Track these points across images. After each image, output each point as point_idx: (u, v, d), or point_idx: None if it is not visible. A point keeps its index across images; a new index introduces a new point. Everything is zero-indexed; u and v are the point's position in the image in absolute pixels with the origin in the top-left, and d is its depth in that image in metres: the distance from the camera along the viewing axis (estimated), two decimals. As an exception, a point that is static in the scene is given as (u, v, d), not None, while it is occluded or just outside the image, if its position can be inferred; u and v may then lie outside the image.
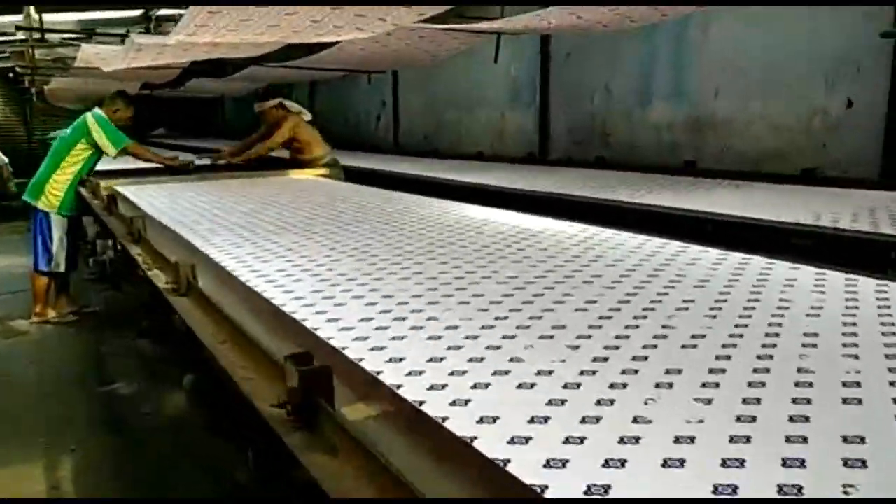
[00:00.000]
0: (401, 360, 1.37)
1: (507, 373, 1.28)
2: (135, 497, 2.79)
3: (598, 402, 1.14)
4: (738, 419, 1.06)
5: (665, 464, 0.93)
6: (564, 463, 0.94)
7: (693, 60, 5.55)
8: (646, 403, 1.13)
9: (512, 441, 1.01)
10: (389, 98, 9.49)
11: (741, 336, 1.44)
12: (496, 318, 1.61)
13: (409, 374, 1.29)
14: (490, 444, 0.99)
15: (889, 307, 1.63)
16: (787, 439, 0.99)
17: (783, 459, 0.93)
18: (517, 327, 1.55)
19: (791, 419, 1.05)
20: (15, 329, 4.88)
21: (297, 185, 4.62)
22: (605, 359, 1.34)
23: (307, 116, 5.65)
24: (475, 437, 1.02)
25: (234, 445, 2.83)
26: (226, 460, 2.83)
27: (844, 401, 1.12)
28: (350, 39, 4.93)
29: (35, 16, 6.27)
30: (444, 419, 1.08)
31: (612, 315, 1.62)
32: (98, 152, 4.91)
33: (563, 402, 1.14)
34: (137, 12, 8.66)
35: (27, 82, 10.81)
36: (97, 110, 4.96)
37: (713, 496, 0.85)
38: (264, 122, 5.66)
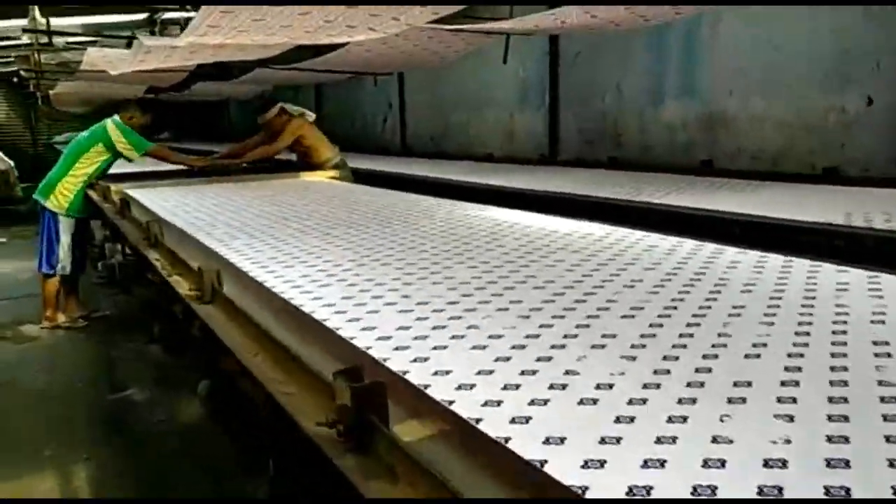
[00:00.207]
0: (448, 372, 1.29)
1: (564, 387, 1.20)
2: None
3: (670, 420, 1.06)
4: (830, 440, 0.98)
5: (761, 492, 0.85)
6: (648, 490, 0.86)
7: (706, 59, 5.47)
8: (721, 420, 1.05)
9: (586, 465, 0.93)
10: (396, 100, 9.41)
11: (806, 345, 1.36)
12: (541, 326, 1.54)
13: (459, 388, 1.21)
14: (561, 469, 0.92)
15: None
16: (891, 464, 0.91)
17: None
18: (565, 336, 1.47)
19: (888, 440, 0.97)
20: (25, 334, 4.82)
21: (309, 188, 4.55)
22: (667, 371, 1.26)
23: (311, 117, 5.57)
24: (545, 461, 0.94)
25: (252, 455, 2.77)
26: (242, 468, 2.76)
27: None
28: (359, 41, 4.87)
29: (41, 19, 6.21)
30: (507, 440, 1.00)
31: (663, 322, 1.54)
32: (112, 157, 4.92)
33: (631, 419, 1.07)
34: (142, 16, 8.61)
35: (32, 86, 10.76)
36: (116, 117, 4.98)
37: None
38: (269, 132, 5.57)
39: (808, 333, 1.43)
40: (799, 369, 1.24)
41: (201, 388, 3.43)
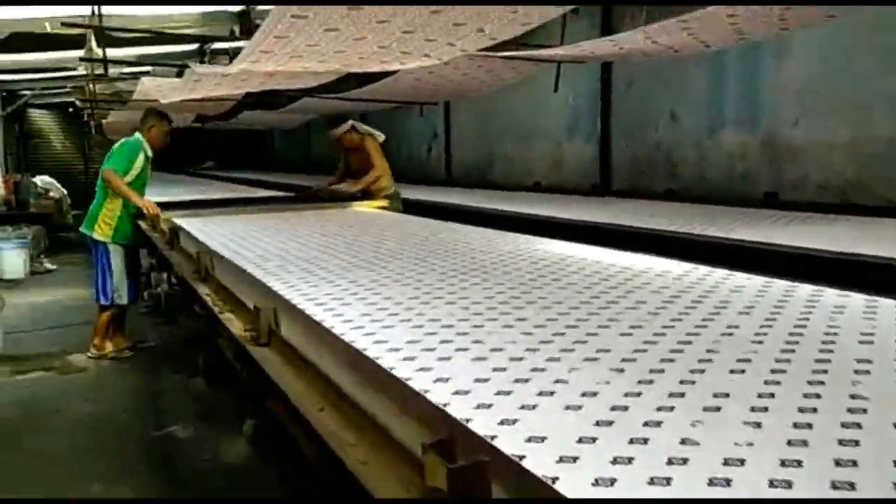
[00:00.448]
0: (542, 439, 1.12)
1: (685, 461, 1.02)
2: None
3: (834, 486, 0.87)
4: None
5: None
6: None
7: (769, 85, 5.25)
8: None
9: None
10: (441, 128, 9.36)
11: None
12: (639, 383, 1.35)
13: (561, 460, 1.04)
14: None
15: None
16: None
17: None
18: (670, 395, 1.29)
19: None
20: (73, 364, 4.79)
21: (360, 218, 4.44)
22: (804, 442, 1.07)
23: (381, 137, 5.48)
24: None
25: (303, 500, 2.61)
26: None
27: None
28: (411, 68, 4.79)
29: (98, 50, 6.33)
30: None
31: (780, 379, 1.34)
32: (141, 178, 4.83)
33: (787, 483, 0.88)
34: (193, 46, 8.78)
35: (86, 116, 11.05)
36: (133, 136, 4.91)
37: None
38: (339, 148, 5.51)
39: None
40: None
41: (247, 427, 3.31)
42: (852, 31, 4.48)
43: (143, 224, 4.53)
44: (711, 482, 0.96)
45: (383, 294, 2.19)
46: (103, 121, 10.29)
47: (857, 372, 1.38)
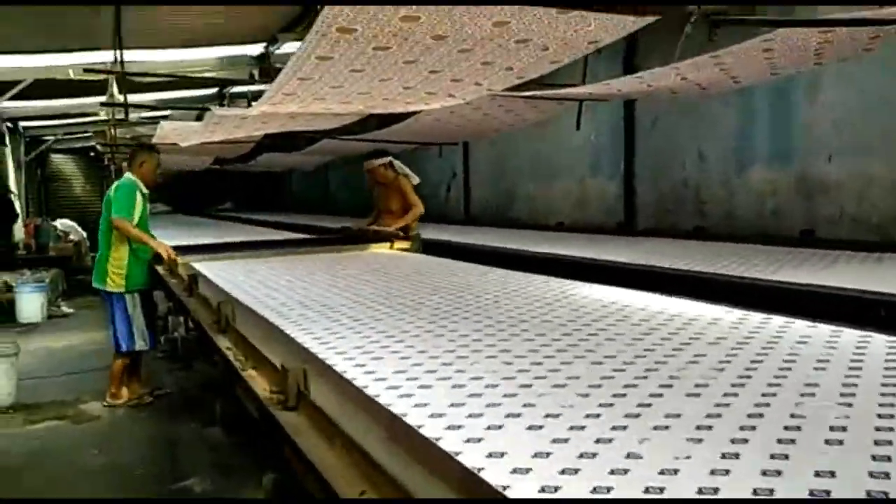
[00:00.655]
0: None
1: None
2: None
3: None
4: None
5: None
6: None
7: (800, 121, 5.11)
8: None
9: None
10: (460, 167, 9.29)
11: None
12: (724, 457, 1.18)
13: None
14: None
15: None
16: None
17: None
18: (764, 473, 1.11)
19: None
20: (87, 413, 4.65)
21: (381, 261, 4.31)
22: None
23: (415, 180, 5.40)
24: None
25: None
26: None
27: None
28: (432, 109, 4.72)
29: (119, 96, 6.35)
30: None
31: (891, 454, 1.16)
32: (142, 221, 4.66)
33: None
34: (212, 91, 8.84)
35: (107, 160, 11.15)
36: (124, 178, 4.73)
37: None
38: (372, 183, 5.42)
39: None
40: None
41: (266, 481, 3.13)
42: (886, 63, 4.34)
43: (160, 269, 4.43)
44: None
45: (417, 347, 2.03)
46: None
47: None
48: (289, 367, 1.56)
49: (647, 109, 6.25)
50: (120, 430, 4.38)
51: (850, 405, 1.41)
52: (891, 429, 1.27)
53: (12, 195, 10.33)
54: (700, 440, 1.27)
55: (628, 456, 1.21)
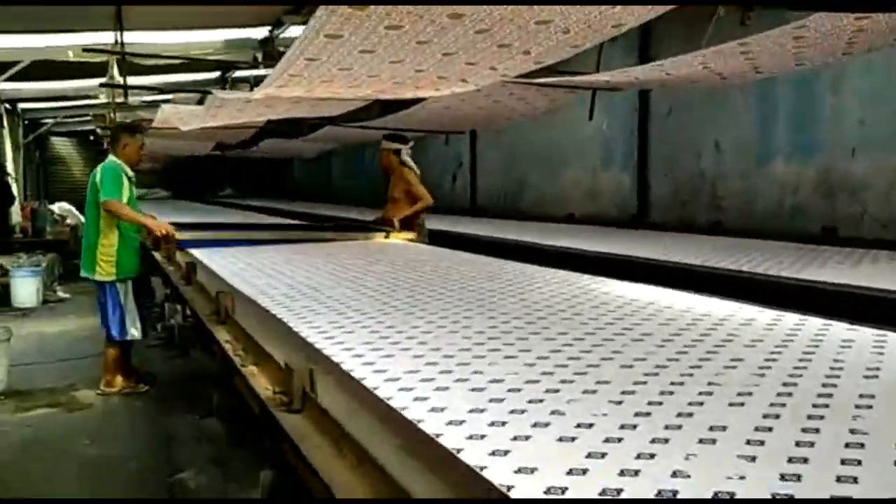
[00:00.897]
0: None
1: None
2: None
3: None
4: None
5: None
6: None
7: (823, 115, 4.95)
8: None
9: None
10: (467, 157, 9.12)
11: None
12: (784, 479, 1.04)
13: None
14: None
15: None
16: None
17: None
18: (832, 498, 0.97)
19: None
20: (80, 401, 4.51)
21: (387, 251, 4.16)
22: None
23: (416, 172, 5.25)
24: None
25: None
26: None
27: None
28: (444, 95, 4.56)
29: (119, 78, 6.19)
30: None
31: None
32: (131, 202, 4.43)
33: None
34: (214, 74, 8.67)
35: (106, 144, 10.99)
36: (107, 161, 4.48)
37: None
38: (382, 165, 5.27)
39: None
40: None
41: (264, 477, 3.01)
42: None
43: (157, 255, 4.27)
44: None
45: (429, 344, 1.89)
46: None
47: None
48: (294, 367, 1.42)
49: (662, 98, 6.08)
50: (114, 420, 4.25)
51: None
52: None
53: (10, 178, 10.17)
54: (753, 458, 1.13)
55: (674, 475, 1.08)
